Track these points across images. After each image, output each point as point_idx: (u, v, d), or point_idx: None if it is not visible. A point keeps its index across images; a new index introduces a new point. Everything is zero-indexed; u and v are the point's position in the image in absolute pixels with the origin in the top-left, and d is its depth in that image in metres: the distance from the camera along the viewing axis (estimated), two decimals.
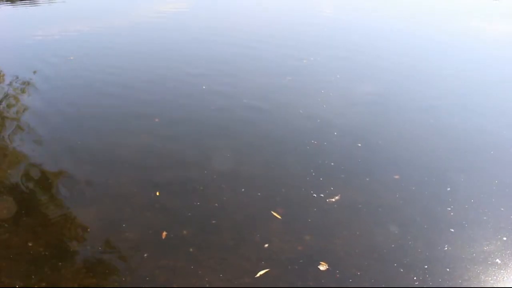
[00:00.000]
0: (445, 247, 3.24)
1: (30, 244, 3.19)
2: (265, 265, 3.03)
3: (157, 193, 3.77)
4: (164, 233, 3.29)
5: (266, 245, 3.21)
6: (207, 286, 2.90)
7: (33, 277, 2.92)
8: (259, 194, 3.79)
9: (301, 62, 7.32)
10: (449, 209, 3.64)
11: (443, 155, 4.51)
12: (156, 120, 5.07)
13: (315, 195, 3.76)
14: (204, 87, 6.05)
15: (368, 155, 4.46)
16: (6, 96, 5.76)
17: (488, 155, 4.52)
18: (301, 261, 3.08)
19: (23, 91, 5.92)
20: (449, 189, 3.92)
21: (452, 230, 3.41)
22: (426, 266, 3.07)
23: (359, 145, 4.62)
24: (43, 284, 2.87)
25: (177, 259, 3.09)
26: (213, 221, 3.45)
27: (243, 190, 3.83)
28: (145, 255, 3.12)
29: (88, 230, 3.36)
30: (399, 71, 7.17)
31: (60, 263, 3.04)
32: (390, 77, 6.82)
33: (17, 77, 6.29)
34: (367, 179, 4.04)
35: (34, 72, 6.44)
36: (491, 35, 9.93)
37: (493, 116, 5.50)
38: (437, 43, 8.91)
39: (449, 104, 5.87)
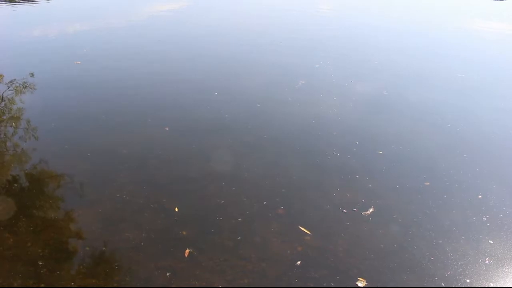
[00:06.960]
0: (486, 260, 3.07)
1: (29, 245, 3.07)
2: (299, 283, 2.84)
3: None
4: (188, 251, 3.08)
5: (299, 263, 3.01)
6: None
7: (32, 277, 2.81)
8: (282, 207, 3.59)
9: (313, 67, 7.19)
10: (485, 219, 3.49)
11: (468, 160, 4.37)
12: (166, 128, 4.85)
13: (345, 210, 3.56)
14: (216, 93, 5.87)
15: (391, 162, 4.29)
16: (5, 96, 5.56)
17: None
18: (337, 277, 2.89)
19: (23, 91, 5.74)
20: (480, 196, 3.77)
21: (491, 241, 3.25)
22: (468, 280, 2.91)
23: (380, 152, 4.46)
24: (42, 285, 2.76)
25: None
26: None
27: (265, 203, 3.63)
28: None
29: (88, 230, 3.25)
30: (415, 76, 7.06)
31: (59, 264, 2.94)
32: (404, 83, 6.71)
33: (17, 77, 6.08)
34: (397, 186, 3.88)
35: (34, 72, 6.28)
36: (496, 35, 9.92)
37: None
38: (451, 46, 8.87)
39: (466, 109, 5.75)
